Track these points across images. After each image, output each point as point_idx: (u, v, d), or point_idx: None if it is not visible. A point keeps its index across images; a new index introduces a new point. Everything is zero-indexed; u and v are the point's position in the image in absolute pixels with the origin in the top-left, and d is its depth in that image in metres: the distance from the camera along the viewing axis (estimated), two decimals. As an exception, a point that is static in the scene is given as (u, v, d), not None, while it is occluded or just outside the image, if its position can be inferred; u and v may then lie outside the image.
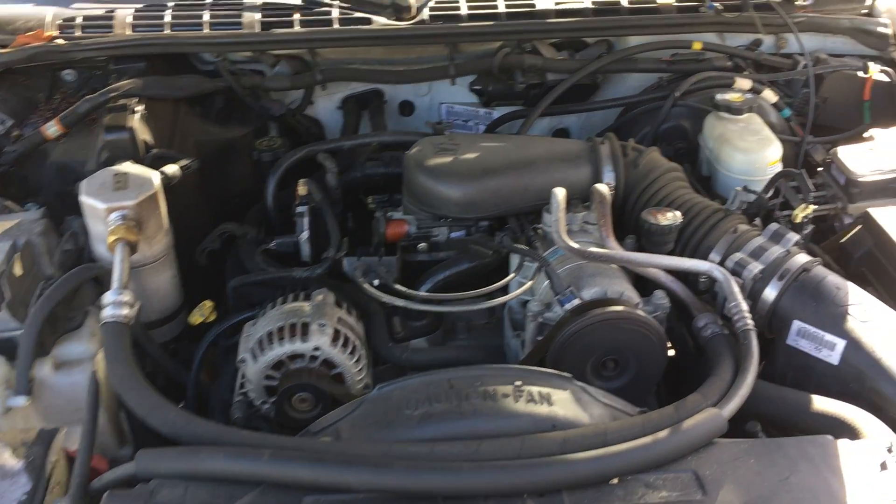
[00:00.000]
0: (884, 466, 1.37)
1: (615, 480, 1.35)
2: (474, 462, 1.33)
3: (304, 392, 1.67)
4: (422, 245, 1.98)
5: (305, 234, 1.95)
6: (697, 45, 2.39)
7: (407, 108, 2.62)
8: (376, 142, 2.20)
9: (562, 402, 1.47)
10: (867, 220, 1.99)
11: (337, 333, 1.71)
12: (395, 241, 2.00)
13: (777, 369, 1.74)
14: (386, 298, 1.74)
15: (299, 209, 1.97)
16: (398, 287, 1.77)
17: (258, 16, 2.36)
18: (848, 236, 2.04)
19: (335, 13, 2.29)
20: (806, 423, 1.60)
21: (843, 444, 1.41)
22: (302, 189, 2.00)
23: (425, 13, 2.27)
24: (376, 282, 1.82)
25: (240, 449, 1.34)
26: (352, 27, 2.25)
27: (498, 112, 2.55)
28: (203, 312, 1.87)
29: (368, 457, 1.34)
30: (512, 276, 1.80)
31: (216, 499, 1.32)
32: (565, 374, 1.53)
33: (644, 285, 1.88)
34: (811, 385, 1.69)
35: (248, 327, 1.81)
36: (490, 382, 1.48)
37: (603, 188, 1.82)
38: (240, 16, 2.36)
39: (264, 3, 2.39)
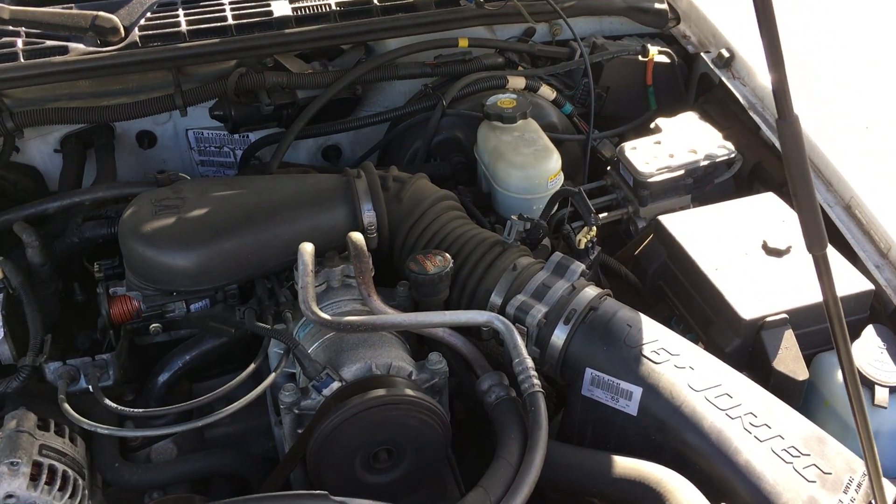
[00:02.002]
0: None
1: None
2: None
3: (0, 552, 1.31)
4: (154, 326, 1.63)
5: (1, 333, 1.55)
6: (463, 42, 2.13)
7: (147, 139, 2.22)
8: (90, 199, 1.80)
9: (313, 534, 1.18)
10: (658, 229, 1.82)
11: (38, 468, 1.34)
12: (123, 323, 1.63)
13: (575, 423, 1.54)
14: (87, 425, 1.38)
15: (-9, 300, 1.57)
16: (107, 402, 1.41)
17: None
18: (641, 248, 1.87)
19: (20, 43, 1.85)
20: (608, 491, 1.40)
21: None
22: (-5, 272, 1.59)
23: (135, 34, 1.87)
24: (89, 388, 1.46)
25: None
26: (43, 60, 1.82)
27: (256, 135, 2.21)
28: None
29: None
30: (251, 367, 1.49)
31: None
32: (319, 492, 1.24)
33: (424, 340, 1.63)
34: (612, 439, 1.49)
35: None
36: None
37: (357, 237, 1.53)
38: None
39: None
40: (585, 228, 1.67)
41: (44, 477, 1.35)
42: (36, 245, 1.67)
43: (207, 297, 1.65)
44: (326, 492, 1.25)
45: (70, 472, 1.39)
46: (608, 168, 2.09)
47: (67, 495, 1.37)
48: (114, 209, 1.83)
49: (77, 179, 2.03)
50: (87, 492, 1.42)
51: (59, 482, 1.36)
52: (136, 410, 1.43)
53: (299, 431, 1.46)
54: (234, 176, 2.12)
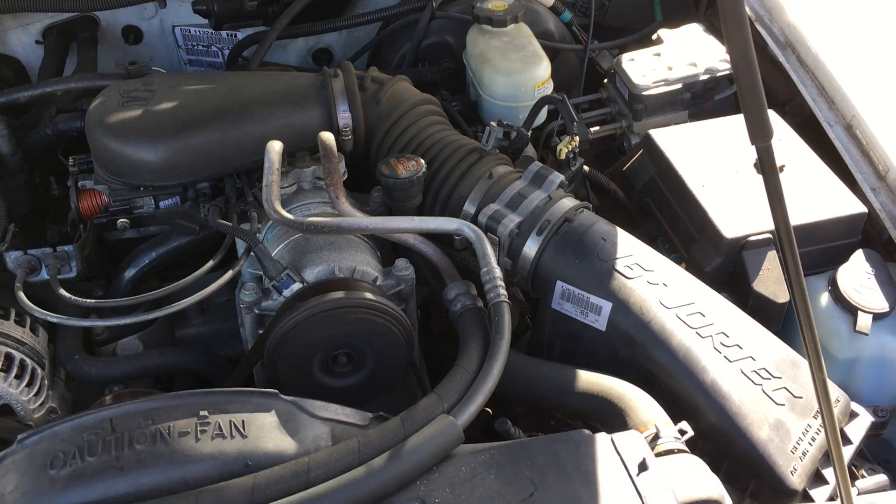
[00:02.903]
0: (643, 466, 1.14)
1: (323, 528, 1.08)
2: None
3: (-45, 438, 1.31)
4: (122, 222, 1.59)
5: (-33, 222, 1.53)
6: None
7: (133, 34, 2.16)
8: (62, 90, 1.75)
9: (261, 431, 1.16)
10: (648, 144, 1.74)
11: (-7, 356, 1.33)
12: (91, 217, 1.60)
13: (544, 336, 1.50)
14: (38, 312, 1.35)
15: (-42, 188, 1.54)
16: (62, 293, 1.39)
17: None
18: (630, 163, 1.79)
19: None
20: (570, 405, 1.37)
21: (600, 442, 1.18)
22: (-38, 161, 1.56)
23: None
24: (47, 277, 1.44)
25: None
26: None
27: (243, 34, 2.13)
28: None
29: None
30: (210, 263, 1.45)
31: None
32: (269, 390, 1.21)
33: (396, 247, 1.59)
34: (580, 354, 1.45)
35: None
36: (166, 416, 1.15)
37: (327, 137, 1.48)
38: None
39: None
40: (567, 138, 1.60)
41: (-1, 363, 1.34)
42: (5, 133, 1.63)
43: (177, 195, 1.61)
44: (276, 391, 1.23)
45: (28, 361, 1.38)
46: (605, 80, 2.01)
47: (24, 383, 1.36)
48: (88, 102, 1.78)
49: (57, 72, 1.98)
50: (46, 382, 1.41)
51: (15, 370, 1.35)
52: (90, 301, 1.40)
53: (260, 332, 1.43)
54: (208, 72, 2.06)
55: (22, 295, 1.37)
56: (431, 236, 1.54)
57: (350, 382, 1.41)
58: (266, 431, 1.17)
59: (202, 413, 1.17)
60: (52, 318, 1.35)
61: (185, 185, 1.58)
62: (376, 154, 1.65)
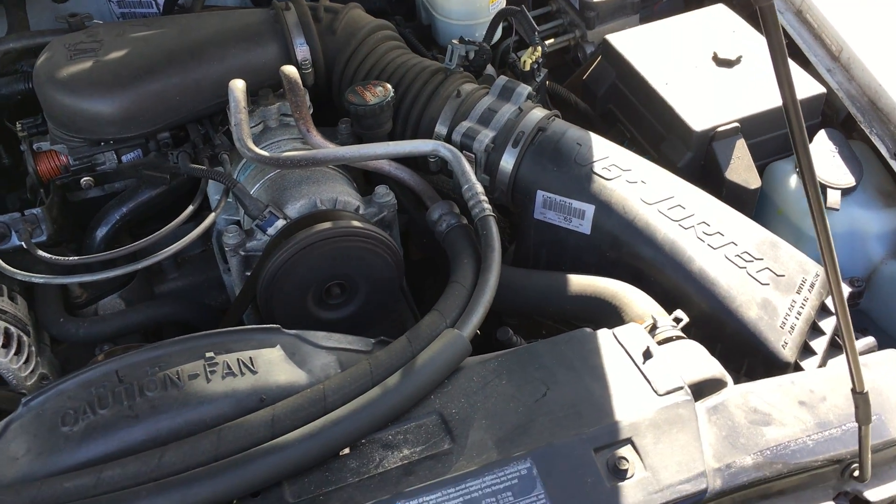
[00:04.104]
0: (647, 354, 1.18)
1: (346, 450, 1.09)
2: (157, 481, 1.01)
3: (-54, 413, 1.27)
4: (85, 180, 1.54)
5: (-79, 196, 1.47)
6: None
7: (60, -11, 2.06)
8: (1, 52, 1.67)
9: (269, 365, 1.16)
10: (606, 50, 1.75)
11: (-25, 327, 1.29)
12: (52, 179, 1.55)
13: (530, 248, 1.52)
14: (21, 276, 1.32)
15: None
16: (40, 254, 1.35)
17: None
18: (590, 71, 1.80)
19: None
20: (564, 309, 1.39)
21: (602, 337, 1.21)
22: None
23: None
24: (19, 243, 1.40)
25: None
26: None
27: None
28: None
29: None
30: (190, 208, 1.42)
31: None
32: (270, 325, 1.21)
33: (370, 176, 1.57)
34: (567, 260, 1.48)
35: None
36: (172, 363, 1.15)
37: (290, 70, 1.45)
38: None
39: None
40: (530, 49, 1.59)
41: (-18, 335, 1.30)
42: (-53, 101, 1.55)
43: (139, 147, 1.56)
44: (278, 325, 1.22)
45: (13, 329, 1.34)
46: (553, -7, 2.00)
47: (13, 352, 1.33)
48: (28, 63, 1.70)
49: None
50: (34, 349, 1.38)
51: (1, 339, 1.32)
52: (69, 259, 1.37)
53: (247, 274, 1.42)
54: (153, 17, 1.98)
55: (1, 262, 1.32)
56: (405, 162, 1.53)
57: (345, 313, 1.42)
58: (275, 365, 1.17)
59: (208, 355, 1.16)
60: (38, 279, 1.31)
61: (146, 135, 1.53)
62: (338, 85, 1.62)
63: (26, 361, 1.35)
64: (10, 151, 1.73)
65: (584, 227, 1.43)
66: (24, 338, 1.36)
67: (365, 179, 1.60)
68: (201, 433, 1.06)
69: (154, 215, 1.59)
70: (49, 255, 1.34)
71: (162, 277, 1.63)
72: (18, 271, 1.31)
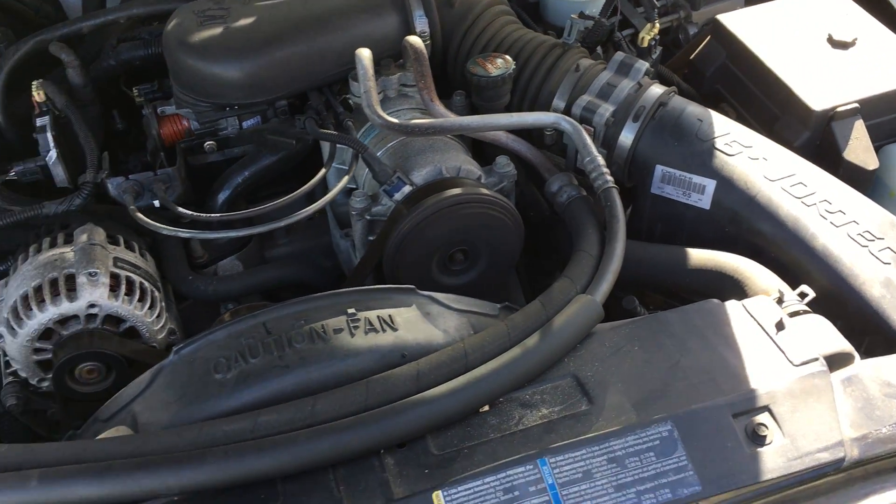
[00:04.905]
0: (780, 326, 1.19)
1: (486, 407, 1.11)
2: (311, 427, 1.05)
3: (88, 362, 1.32)
4: (208, 144, 1.59)
5: (53, 154, 1.51)
6: None
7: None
8: (125, 16, 1.72)
9: (408, 324, 1.19)
10: (717, 29, 1.76)
11: (116, 280, 1.34)
12: (175, 143, 1.59)
13: (643, 223, 1.53)
14: (167, 230, 1.36)
15: (39, 121, 1.52)
16: (181, 210, 1.39)
17: None
18: (697, 51, 1.81)
19: None
20: (684, 283, 1.41)
21: (732, 308, 1.22)
22: (38, 94, 1.53)
23: None
24: (156, 203, 1.44)
25: (-3, 477, 1.00)
26: None
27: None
28: (-65, 280, 1.44)
29: (176, 450, 1.03)
30: (323, 171, 1.46)
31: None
32: (406, 286, 1.24)
33: (485, 148, 1.60)
34: (683, 235, 1.49)
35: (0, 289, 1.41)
36: (316, 317, 1.18)
37: (415, 40, 1.47)
38: None
39: None
40: (648, 26, 1.61)
41: (122, 287, 1.34)
42: (76, 64, 1.60)
43: (258, 114, 1.60)
44: (413, 286, 1.25)
45: (146, 283, 1.39)
46: (656, -27, 2.00)
47: (147, 306, 1.37)
48: (146, 31, 1.75)
49: (101, 4, 1.93)
50: (163, 304, 1.42)
51: (137, 293, 1.36)
52: (210, 216, 1.41)
53: (370, 238, 1.45)
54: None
55: (141, 216, 1.37)
56: (520, 135, 1.55)
57: (464, 280, 1.45)
58: (413, 324, 1.20)
59: (350, 311, 1.20)
60: (184, 233, 1.35)
61: (269, 102, 1.57)
62: (454, 58, 1.65)
63: (158, 316, 1.39)
64: (123, 117, 1.78)
65: (704, 202, 1.44)
66: (156, 293, 1.40)
67: (476, 152, 1.63)
68: (351, 385, 1.09)
69: (266, 183, 1.63)
70: (189, 212, 1.38)
71: (272, 243, 1.67)
72: (163, 225, 1.35)
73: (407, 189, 1.39)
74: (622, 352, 1.18)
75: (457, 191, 1.35)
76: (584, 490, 1.03)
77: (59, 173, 1.52)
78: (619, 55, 1.55)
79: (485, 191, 1.37)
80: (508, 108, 1.59)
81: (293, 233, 1.69)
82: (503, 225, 1.39)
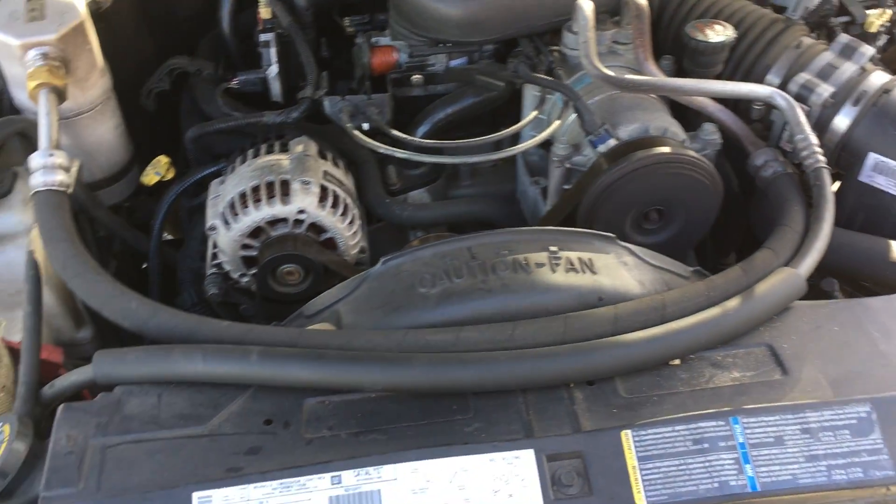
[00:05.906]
0: None
1: (676, 361, 1.12)
2: (509, 350, 1.08)
3: (290, 264, 1.40)
4: (416, 77, 1.64)
5: (275, 69, 1.60)
6: None
7: None
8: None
9: (607, 269, 1.21)
10: (943, 26, 1.67)
11: (324, 191, 1.41)
12: (383, 74, 1.65)
13: (845, 210, 1.49)
14: (384, 149, 1.42)
15: (264, 37, 1.60)
16: (395, 133, 1.45)
17: None
18: (918, 46, 1.73)
19: None
20: (883, 275, 1.37)
21: (947, 304, 1.18)
22: (265, 11, 1.62)
23: None
24: (366, 126, 1.50)
25: (221, 348, 1.08)
26: None
27: None
28: (158, 170, 1.56)
29: (381, 350, 1.09)
30: (534, 113, 1.48)
31: (197, 408, 1.07)
32: (607, 234, 1.26)
33: (687, 115, 1.59)
34: (886, 227, 1.44)
35: (216, 186, 1.51)
36: (519, 249, 1.21)
37: (639, -2, 1.47)
38: None
39: None
40: (879, 11, 1.55)
41: (329, 199, 1.41)
42: (300, -15, 1.68)
43: (467, 55, 1.64)
44: (614, 235, 1.27)
45: (349, 199, 1.46)
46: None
47: (348, 221, 1.44)
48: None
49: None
50: (360, 223, 1.49)
51: (341, 207, 1.43)
52: (416, 139, 1.46)
53: (565, 188, 1.47)
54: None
55: (358, 133, 1.43)
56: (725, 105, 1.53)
57: (655, 240, 1.45)
58: (612, 270, 1.21)
59: (552, 248, 1.22)
60: (399, 153, 1.42)
61: (480, 43, 1.61)
62: (668, 23, 1.64)
63: (354, 232, 1.46)
64: (330, 46, 1.86)
65: (917, 196, 1.39)
66: (356, 210, 1.47)
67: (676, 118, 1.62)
68: (550, 317, 1.12)
69: (458, 126, 1.67)
70: (401, 134, 1.44)
71: (456, 183, 1.72)
72: (375, 143, 1.42)
73: (612, 142, 1.40)
74: (822, 330, 1.16)
75: (665, 149, 1.35)
76: (774, 455, 1.03)
77: (277, 87, 1.61)
78: (845, 37, 1.51)
79: (692, 153, 1.36)
80: (719, 78, 1.57)
81: (477, 176, 1.73)
82: (705, 189, 1.38)
